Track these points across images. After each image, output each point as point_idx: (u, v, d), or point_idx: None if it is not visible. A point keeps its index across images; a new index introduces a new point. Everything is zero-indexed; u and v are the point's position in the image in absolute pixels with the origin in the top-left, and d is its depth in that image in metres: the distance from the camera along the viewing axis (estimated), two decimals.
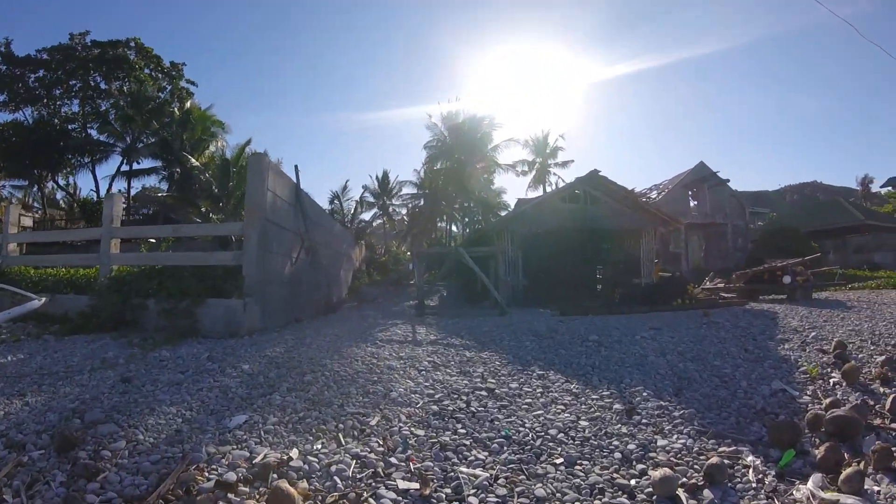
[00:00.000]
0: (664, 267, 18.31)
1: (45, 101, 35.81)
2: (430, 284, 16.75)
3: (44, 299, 8.69)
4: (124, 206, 33.98)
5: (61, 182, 38.36)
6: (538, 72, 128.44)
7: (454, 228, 48.77)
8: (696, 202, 34.16)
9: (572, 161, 44.90)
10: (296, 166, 11.43)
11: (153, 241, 11.07)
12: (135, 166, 34.17)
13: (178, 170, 29.26)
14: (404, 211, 49.31)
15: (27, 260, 11.65)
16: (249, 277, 8.41)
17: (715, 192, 33.29)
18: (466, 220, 44.81)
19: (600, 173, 15.20)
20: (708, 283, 18.18)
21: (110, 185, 34.77)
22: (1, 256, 11.25)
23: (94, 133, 35.85)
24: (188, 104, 33.67)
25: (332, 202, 38.16)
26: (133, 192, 35.60)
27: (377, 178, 48.01)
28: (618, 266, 17.96)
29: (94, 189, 35.88)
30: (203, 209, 22.55)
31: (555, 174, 44.26)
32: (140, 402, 4.08)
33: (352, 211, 39.41)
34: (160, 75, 38.17)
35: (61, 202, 42.63)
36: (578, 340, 6.82)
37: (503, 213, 41.84)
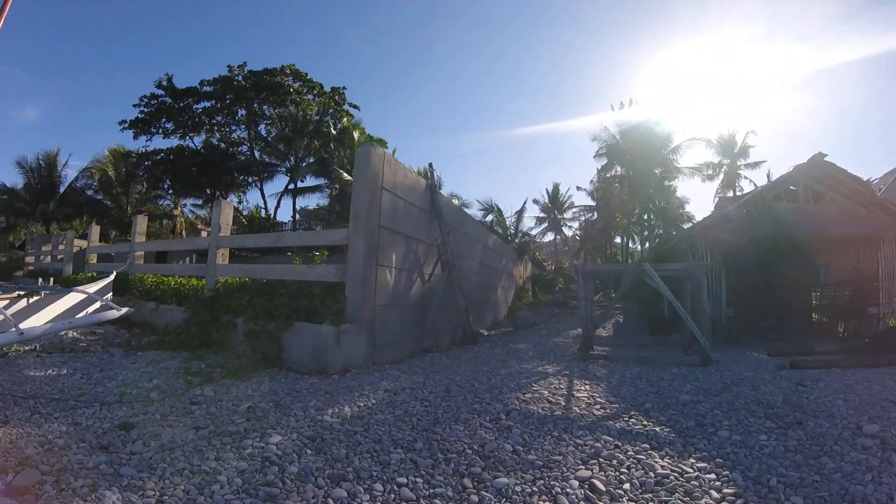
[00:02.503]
0: None
1: (209, 127, 38.67)
2: (604, 308, 13.76)
3: (124, 310, 7.82)
4: (293, 219, 35.06)
5: (234, 200, 40.34)
6: (722, 67, 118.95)
7: (631, 244, 44.83)
8: None
9: (764, 161, 39.12)
10: (430, 164, 9.44)
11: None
12: (300, 184, 35.47)
13: (336, 186, 29.15)
14: (576, 225, 46.50)
15: (148, 268, 11.37)
16: (353, 298, 6.46)
17: None
18: (645, 233, 40.71)
19: (827, 158, 11.34)
20: None
21: (278, 203, 37.08)
22: (128, 264, 11.35)
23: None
24: (343, 121, 34.11)
25: (486, 215, 35.99)
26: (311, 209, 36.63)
27: (547, 191, 46.02)
28: (844, 288, 13.75)
29: (263, 206, 37.41)
30: None
31: (745, 177, 38.74)
32: (101, 470, 2.90)
33: (514, 223, 36.81)
34: (321, 100, 39.29)
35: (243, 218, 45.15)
36: (846, 432, 3.86)
37: (686, 227, 37.50)
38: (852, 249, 13.08)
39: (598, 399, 4.76)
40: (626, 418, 4.17)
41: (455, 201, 28.80)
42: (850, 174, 11.65)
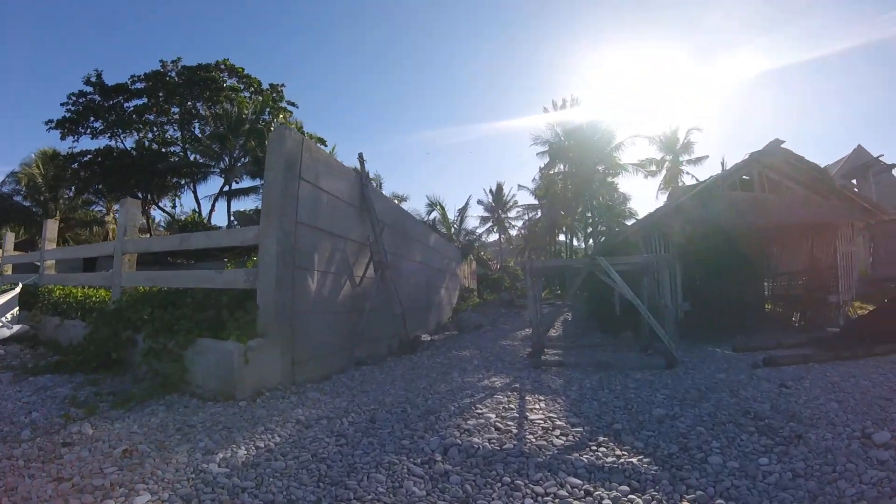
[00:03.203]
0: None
1: (139, 126, 36.12)
2: (554, 307, 13.03)
3: (15, 328, 7.75)
4: (229, 222, 33.43)
5: (167, 204, 38.40)
6: (666, 70, 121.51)
7: (575, 241, 44.72)
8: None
9: (706, 157, 39.50)
10: (360, 154, 8.49)
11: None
12: (235, 186, 34.12)
13: None
14: (520, 224, 46.25)
15: (56, 278, 10.24)
16: (265, 307, 5.46)
17: (880, 180, 27.02)
18: (589, 230, 40.65)
19: (783, 144, 10.86)
20: None
21: (213, 206, 35.17)
22: (38, 275, 10.36)
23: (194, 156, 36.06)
24: (280, 117, 32.73)
25: (429, 213, 35.11)
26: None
27: (491, 190, 45.62)
28: (798, 277, 13.34)
29: (197, 209, 35.48)
30: None
31: (688, 173, 39.01)
32: None
33: (458, 221, 35.97)
34: (259, 98, 37.33)
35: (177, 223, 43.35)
36: (855, 444, 3.26)
37: (630, 223, 37.53)
38: (806, 238, 12.71)
39: (557, 421, 3.88)
40: (594, 447, 3.31)
41: (396, 201, 27.83)
42: (808, 161, 11.20)
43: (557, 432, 3.62)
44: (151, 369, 5.17)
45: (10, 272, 12.61)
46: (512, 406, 4.36)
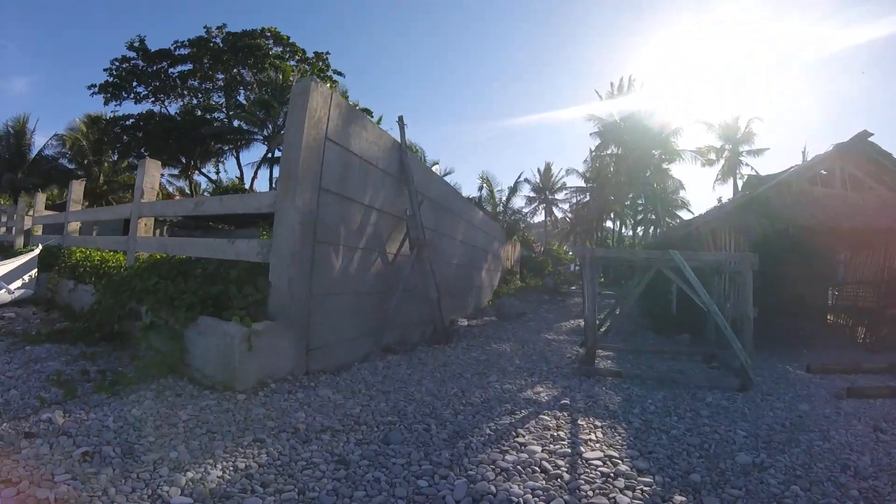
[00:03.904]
0: None
1: (181, 91, 36.56)
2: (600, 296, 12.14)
3: (17, 293, 7.73)
4: (271, 189, 33.30)
5: (211, 171, 38.90)
6: (724, 49, 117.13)
7: (623, 229, 43.32)
8: None
9: (767, 149, 37.63)
10: (400, 117, 7.70)
11: None
12: (278, 153, 33.37)
13: None
14: (567, 207, 45.15)
15: (77, 241, 9.92)
16: (278, 285, 4.75)
17: None
18: (639, 218, 39.24)
19: (871, 138, 9.67)
20: None
21: (255, 172, 35.46)
22: (62, 236, 10.17)
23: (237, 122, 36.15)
24: (327, 86, 32.47)
25: (480, 188, 34.16)
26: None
27: (539, 170, 44.74)
28: (868, 288, 12.02)
29: (239, 176, 35.59)
30: None
31: (747, 164, 37.23)
32: None
33: (503, 200, 34.82)
34: (306, 67, 37.21)
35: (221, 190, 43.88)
36: None
37: (682, 213, 36.20)
38: (881, 245, 11.39)
39: (620, 465, 2.98)
40: None
41: (436, 168, 26.92)
42: (894, 158, 9.94)
43: (621, 483, 2.75)
44: (150, 346, 4.55)
45: (39, 232, 12.57)
46: (561, 434, 3.50)
